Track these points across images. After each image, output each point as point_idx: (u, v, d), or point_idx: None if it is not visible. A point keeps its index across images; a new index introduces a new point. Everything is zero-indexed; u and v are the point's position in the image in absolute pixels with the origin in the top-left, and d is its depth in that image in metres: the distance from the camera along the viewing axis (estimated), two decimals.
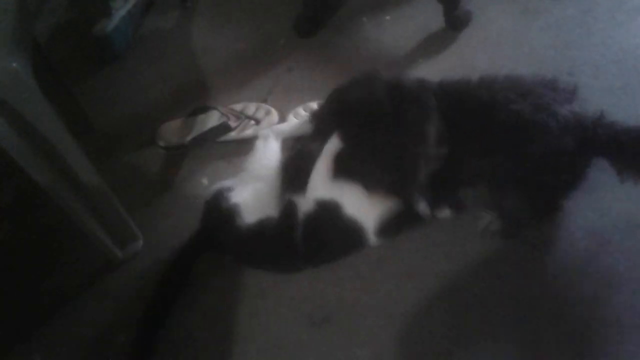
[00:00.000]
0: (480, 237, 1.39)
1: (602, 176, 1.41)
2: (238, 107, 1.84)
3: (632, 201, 1.38)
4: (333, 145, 1.32)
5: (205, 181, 1.68)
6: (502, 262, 1.34)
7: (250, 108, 1.83)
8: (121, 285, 1.48)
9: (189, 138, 1.75)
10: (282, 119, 1.81)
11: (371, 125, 1.26)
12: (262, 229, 1.35)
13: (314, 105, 1.76)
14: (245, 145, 1.71)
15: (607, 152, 1.19)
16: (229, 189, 1.44)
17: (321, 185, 1.33)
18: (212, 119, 1.79)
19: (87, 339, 1.42)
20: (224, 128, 1.75)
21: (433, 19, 1.96)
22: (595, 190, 1.41)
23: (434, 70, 1.83)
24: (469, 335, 1.24)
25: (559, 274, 1.30)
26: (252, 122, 1.78)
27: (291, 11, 2.15)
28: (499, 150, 1.21)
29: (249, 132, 1.76)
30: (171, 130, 1.80)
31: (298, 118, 1.74)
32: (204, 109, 1.82)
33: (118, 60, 2.22)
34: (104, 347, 1.39)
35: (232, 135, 1.76)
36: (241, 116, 1.79)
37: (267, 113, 1.81)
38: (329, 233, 1.34)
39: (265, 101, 1.87)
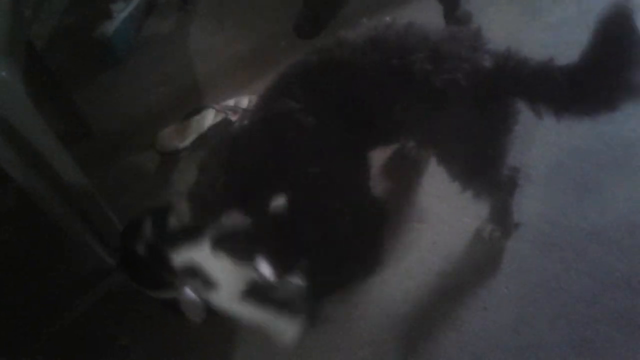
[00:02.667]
0: (487, 244, 1.39)
1: (602, 176, 1.42)
2: (231, 102, 1.83)
3: (633, 201, 1.37)
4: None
5: None
6: (503, 262, 1.34)
7: (243, 101, 1.83)
8: (121, 287, 1.47)
9: (186, 142, 1.76)
10: None
11: None
12: None
13: None
14: None
15: (521, 89, 1.11)
16: None
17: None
18: (208, 118, 1.79)
19: (89, 341, 1.42)
20: (225, 124, 1.75)
21: (433, 19, 1.96)
22: (596, 190, 1.41)
23: None
24: (470, 336, 1.24)
25: (560, 273, 1.29)
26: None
27: (292, 13, 2.15)
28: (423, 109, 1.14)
29: None
30: (167, 137, 1.80)
31: None
32: (198, 110, 1.82)
33: (119, 64, 2.22)
34: (106, 349, 1.39)
35: None
36: (238, 110, 1.78)
37: None
38: None
39: None
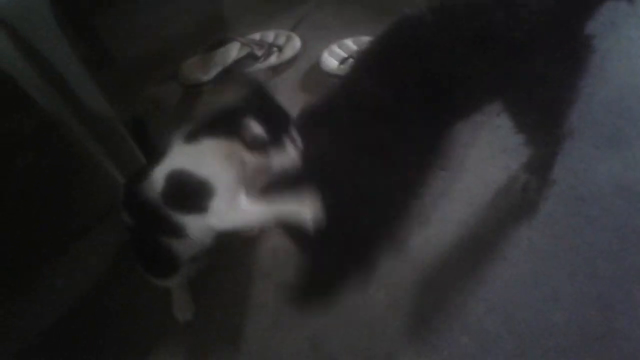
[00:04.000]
0: (512, 195, 1.36)
1: (634, 132, 1.38)
2: (256, 36, 1.78)
3: None
4: None
5: None
6: (526, 215, 1.33)
7: (270, 35, 1.77)
8: None
9: (211, 74, 1.71)
10: (306, 48, 1.76)
11: None
12: None
13: (350, 42, 1.71)
14: (269, 75, 1.69)
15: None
16: None
17: None
18: (233, 51, 1.74)
19: (105, 269, 1.45)
20: (251, 58, 1.71)
21: None
22: (626, 146, 1.38)
23: None
24: (488, 286, 1.24)
25: (584, 228, 1.28)
26: (275, 49, 1.73)
27: None
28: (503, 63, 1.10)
29: (272, 60, 1.72)
30: (191, 68, 1.76)
31: (333, 56, 1.68)
32: (223, 42, 1.76)
33: None
34: (125, 279, 1.41)
35: (257, 65, 1.72)
36: (264, 44, 1.73)
37: (289, 39, 1.75)
38: None
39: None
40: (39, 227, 1.52)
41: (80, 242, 1.49)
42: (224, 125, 1.02)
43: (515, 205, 1.34)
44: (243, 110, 1.00)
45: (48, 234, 1.51)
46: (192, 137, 1.03)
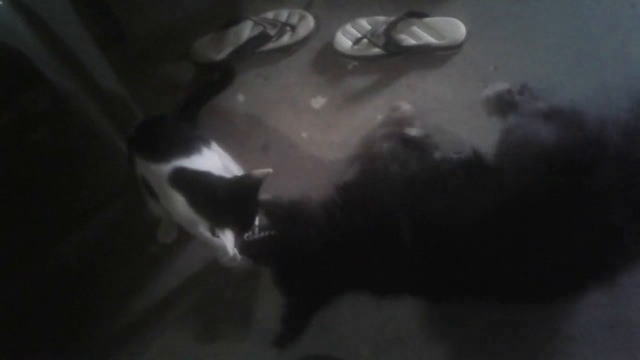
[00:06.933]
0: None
1: None
2: (269, 15, 1.75)
3: None
4: None
5: (240, 97, 1.64)
6: None
7: (283, 14, 1.75)
8: None
9: (224, 53, 1.70)
10: (320, 28, 1.73)
11: None
12: None
13: (364, 22, 1.68)
14: (281, 55, 1.68)
15: None
16: None
17: None
18: (246, 30, 1.72)
19: (118, 250, 1.46)
20: (263, 37, 1.69)
21: None
22: None
23: None
24: None
25: None
26: (288, 28, 1.71)
27: None
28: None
29: (285, 40, 1.70)
30: (203, 47, 1.74)
31: (347, 36, 1.66)
32: (236, 20, 1.74)
33: None
34: (135, 258, 1.43)
35: (269, 45, 1.70)
36: (277, 23, 1.71)
37: (302, 18, 1.72)
38: None
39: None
40: (50, 203, 1.53)
41: (91, 221, 1.50)
42: None
43: None
44: None
45: (59, 211, 1.52)
46: None
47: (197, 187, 1.11)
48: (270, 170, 1.12)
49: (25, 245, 1.47)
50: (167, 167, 1.12)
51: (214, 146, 1.26)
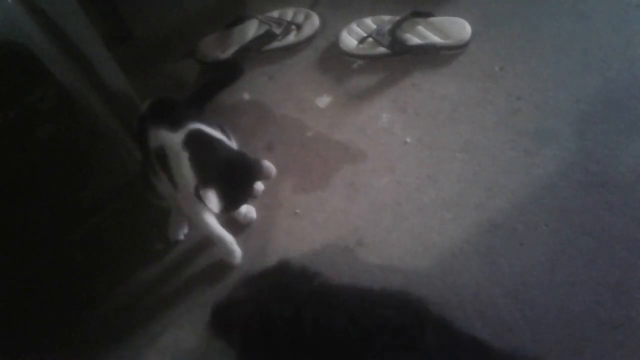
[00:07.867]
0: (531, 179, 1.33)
1: None
2: (275, 14, 1.76)
3: None
4: None
5: (246, 95, 1.65)
6: (545, 199, 1.31)
7: (288, 13, 1.76)
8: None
9: (229, 52, 1.71)
10: (325, 27, 1.74)
11: None
12: None
13: (369, 21, 1.68)
14: (287, 54, 1.68)
15: None
16: None
17: None
18: (251, 29, 1.73)
19: (124, 246, 1.47)
20: (269, 36, 1.69)
21: None
22: None
23: None
24: (504, 271, 1.23)
25: (603, 214, 1.26)
26: (293, 27, 1.72)
27: None
28: None
29: (290, 38, 1.71)
30: (208, 46, 1.75)
31: (352, 36, 1.66)
32: (241, 19, 1.75)
33: None
34: (141, 254, 1.44)
35: (275, 44, 1.71)
36: (282, 22, 1.71)
37: (307, 17, 1.73)
38: None
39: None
40: (55, 200, 1.54)
41: (97, 217, 1.50)
42: None
43: (533, 190, 1.33)
44: None
45: (64, 207, 1.53)
46: None
47: (203, 145, 1.18)
48: (273, 172, 1.18)
49: (30, 241, 1.47)
50: (183, 132, 1.17)
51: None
